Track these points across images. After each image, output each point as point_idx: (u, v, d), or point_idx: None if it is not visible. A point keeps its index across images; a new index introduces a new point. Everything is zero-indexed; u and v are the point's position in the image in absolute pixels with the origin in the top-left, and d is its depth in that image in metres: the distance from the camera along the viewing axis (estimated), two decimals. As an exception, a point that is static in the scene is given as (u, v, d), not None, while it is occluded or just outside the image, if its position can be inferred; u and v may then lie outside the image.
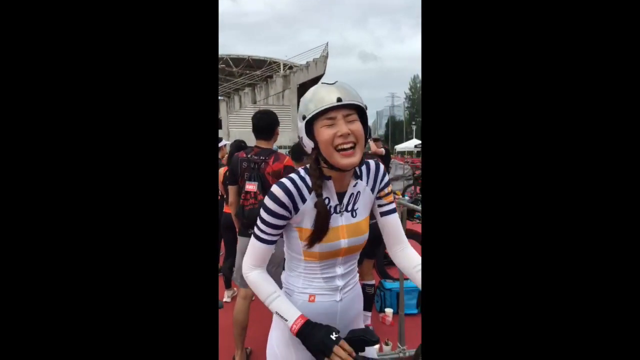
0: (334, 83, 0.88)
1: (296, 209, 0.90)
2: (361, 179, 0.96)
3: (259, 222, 0.91)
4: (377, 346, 2.07)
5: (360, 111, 0.88)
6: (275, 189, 0.89)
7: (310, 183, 0.90)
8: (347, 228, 0.93)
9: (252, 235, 0.94)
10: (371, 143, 4.54)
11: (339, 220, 0.93)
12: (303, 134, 0.89)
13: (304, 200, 0.90)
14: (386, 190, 1.00)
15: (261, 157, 1.98)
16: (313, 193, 0.89)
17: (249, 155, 2.01)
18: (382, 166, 1.01)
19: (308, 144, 0.89)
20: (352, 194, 0.94)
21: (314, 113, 0.85)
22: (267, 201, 0.90)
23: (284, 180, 0.91)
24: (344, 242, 0.92)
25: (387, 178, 1.00)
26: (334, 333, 0.84)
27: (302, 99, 0.92)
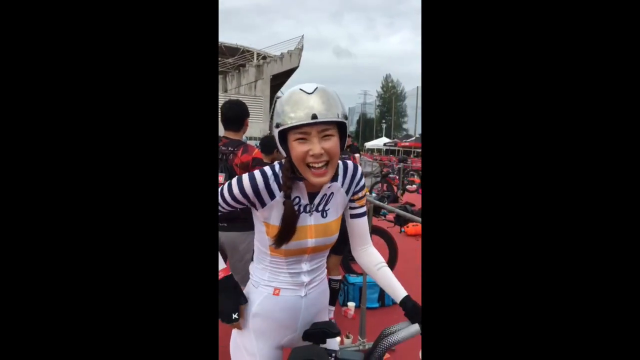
0: (313, 91, 0.82)
1: (262, 204, 0.89)
2: (336, 181, 0.95)
3: (225, 190, 0.91)
4: (338, 339, 2.10)
5: (339, 122, 0.84)
6: (245, 177, 0.88)
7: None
8: (316, 228, 0.93)
9: None
10: None
11: (308, 220, 0.92)
12: (276, 140, 0.87)
13: (272, 196, 0.89)
14: (360, 194, 0.99)
15: (229, 148, 1.94)
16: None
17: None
18: (359, 169, 0.99)
19: (281, 151, 0.87)
20: (325, 194, 0.93)
21: (286, 127, 0.82)
22: (234, 183, 0.89)
23: (256, 172, 0.89)
24: (310, 242, 0.92)
25: (363, 182, 0.99)
26: (236, 314, 0.93)
27: (278, 100, 0.88)
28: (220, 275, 0.93)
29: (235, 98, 2.23)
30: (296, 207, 0.90)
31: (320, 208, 0.93)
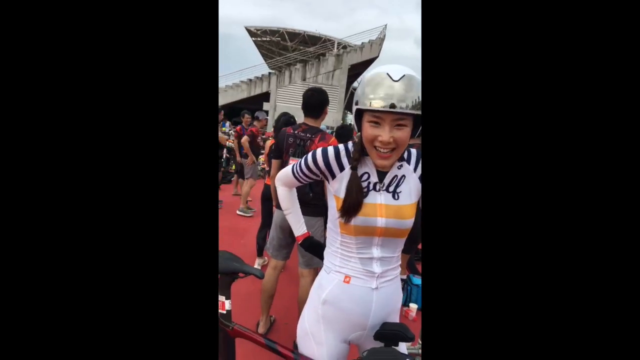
0: (400, 79, 0.80)
1: (333, 175, 0.93)
2: (408, 163, 0.94)
3: (302, 160, 1.00)
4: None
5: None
6: (319, 149, 0.95)
7: None
8: (387, 208, 0.91)
9: (293, 164, 1.04)
10: None
11: (378, 198, 0.91)
12: (353, 115, 0.90)
13: (342, 168, 0.93)
14: None
15: (308, 135, 1.99)
16: None
17: (295, 132, 2.02)
18: None
19: (355, 126, 0.91)
20: (396, 175, 0.93)
21: (362, 108, 0.85)
22: (310, 155, 0.97)
23: (330, 147, 0.95)
24: (380, 221, 0.90)
25: None
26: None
27: (362, 77, 0.90)
28: (301, 238, 1.15)
29: (314, 86, 2.26)
30: (365, 184, 0.91)
31: (391, 189, 0.92)
